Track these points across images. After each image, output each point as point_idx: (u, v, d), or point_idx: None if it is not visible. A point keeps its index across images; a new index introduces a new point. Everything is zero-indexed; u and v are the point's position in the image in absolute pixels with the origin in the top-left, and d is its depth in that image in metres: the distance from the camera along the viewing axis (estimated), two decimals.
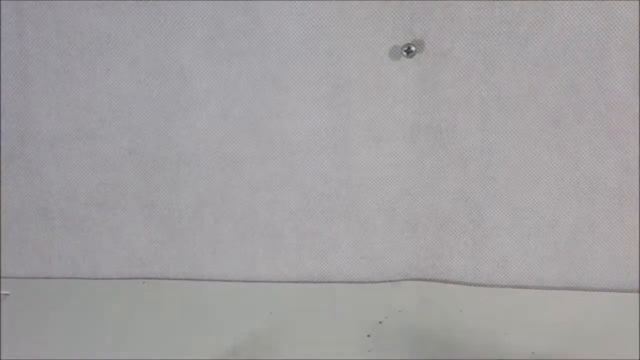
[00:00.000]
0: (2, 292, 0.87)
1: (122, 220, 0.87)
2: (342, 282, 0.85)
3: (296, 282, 0.86)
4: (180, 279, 0.88)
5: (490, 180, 0.80)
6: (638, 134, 0.76)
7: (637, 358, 0.70)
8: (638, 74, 0.75)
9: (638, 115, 0.76)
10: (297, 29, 0.78)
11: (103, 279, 0.89)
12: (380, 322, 0.77)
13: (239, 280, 0.87)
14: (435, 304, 0.80)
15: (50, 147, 0.85)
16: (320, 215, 0.84)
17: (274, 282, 0.86)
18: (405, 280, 0.84)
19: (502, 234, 0.81)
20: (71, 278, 0.89)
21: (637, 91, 0.75)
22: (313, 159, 0.82)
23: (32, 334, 0.79)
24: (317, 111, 0.81)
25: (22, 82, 0.84)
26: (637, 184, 0.78)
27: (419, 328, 0.76)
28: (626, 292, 0.80)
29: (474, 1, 0.75)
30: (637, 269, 0.80)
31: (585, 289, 0.81)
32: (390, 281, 0.84)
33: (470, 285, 0.83)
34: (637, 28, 0.74)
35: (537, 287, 0.82)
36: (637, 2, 0.73)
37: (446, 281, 0.83)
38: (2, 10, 0.82)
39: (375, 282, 0.84)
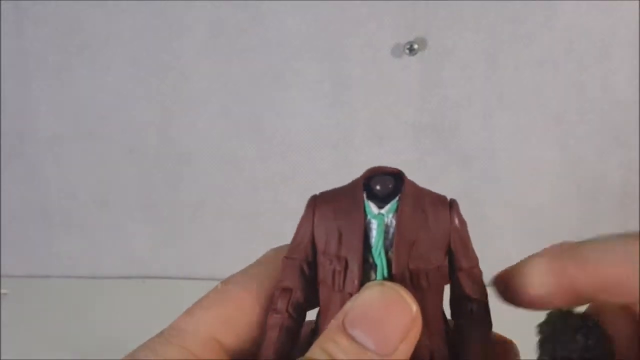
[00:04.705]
0: (2, 291, 0.86)
1: (122, 220, 0.87)
2: None
3: None
4: (180, 279, 0.88)
5: (493, 180, 0.80)
6: None
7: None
8: None
9: None
10: (299, 26, 0.78)
11: (103, 278, 0.88)
12: None
13: None
14: None
15: (50, 146, 0.85)
16: None
17: None
18: None
19: (505, 233, 0.81)
20: (71, 277, 0.89)
21: None
22: (314, 157, 0.82)
23: (31, 333, 0.78)
24: (319, 109, 0.80)
25: (21, 81, 0.83)
26: None
27: None
28: None
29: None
30: None
31: None
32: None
33: None
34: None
35: None
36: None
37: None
38: (2, 8, 0.81)
39: None
